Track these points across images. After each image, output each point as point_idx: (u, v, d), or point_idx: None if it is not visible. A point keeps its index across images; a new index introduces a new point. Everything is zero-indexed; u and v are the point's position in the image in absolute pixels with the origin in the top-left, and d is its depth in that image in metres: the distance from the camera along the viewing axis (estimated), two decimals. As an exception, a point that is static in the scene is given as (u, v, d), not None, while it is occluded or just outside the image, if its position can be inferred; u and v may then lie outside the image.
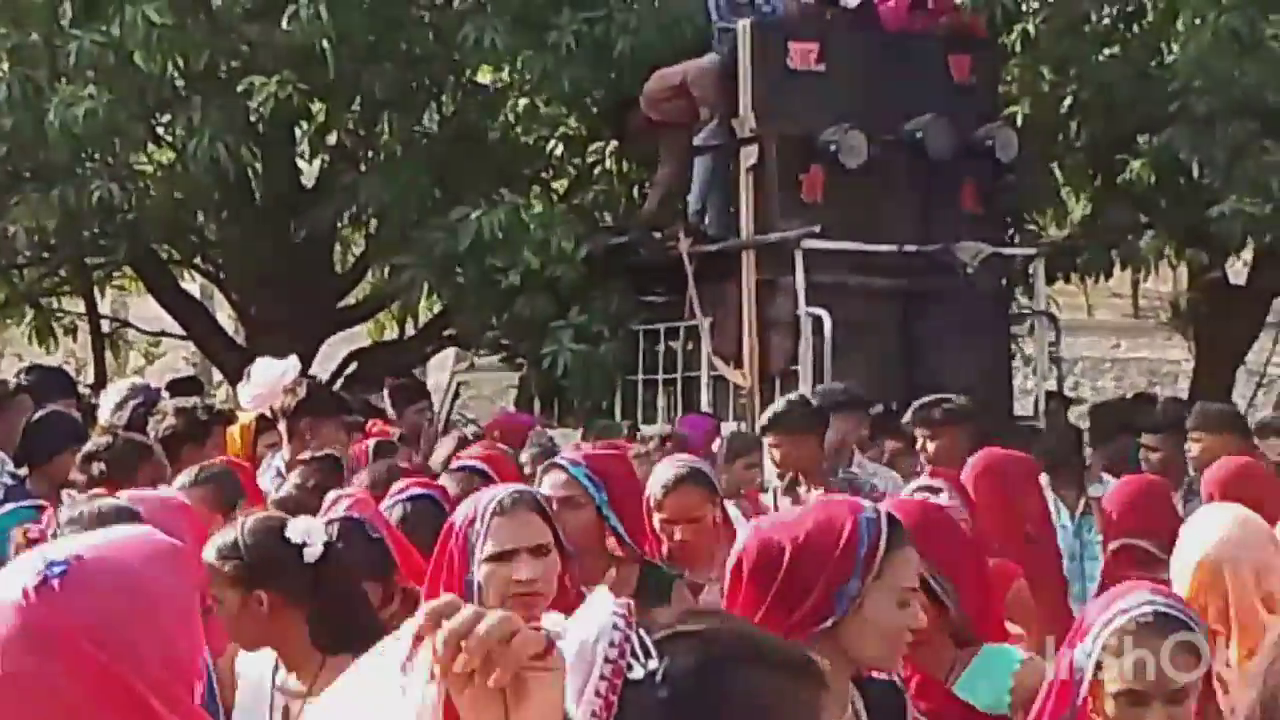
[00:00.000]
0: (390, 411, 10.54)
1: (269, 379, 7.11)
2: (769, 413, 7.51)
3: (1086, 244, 13.41)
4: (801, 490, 7.10)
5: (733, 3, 11.34)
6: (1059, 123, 13.14)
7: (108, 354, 16.17)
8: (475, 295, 11.80)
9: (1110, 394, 21.57)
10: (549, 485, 4.95)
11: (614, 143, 13.53)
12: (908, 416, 8.17)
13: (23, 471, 6.63)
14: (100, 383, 13.83)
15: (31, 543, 5.59)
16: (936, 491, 5.20)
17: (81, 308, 16.02)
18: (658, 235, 11.60)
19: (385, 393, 11.08)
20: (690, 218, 11.47)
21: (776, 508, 6.93)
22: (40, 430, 6.95)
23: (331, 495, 4.64)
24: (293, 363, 7.39)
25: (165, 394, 8.87)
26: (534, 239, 11.33)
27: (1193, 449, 8.18)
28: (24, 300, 15.46)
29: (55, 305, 16.06)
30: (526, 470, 8.08)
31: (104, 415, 7.61)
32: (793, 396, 7.88)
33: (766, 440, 7.46)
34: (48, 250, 13.76)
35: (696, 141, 11.52)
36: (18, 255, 13.35)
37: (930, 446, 7.78)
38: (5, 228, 12.19)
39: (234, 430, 6.86)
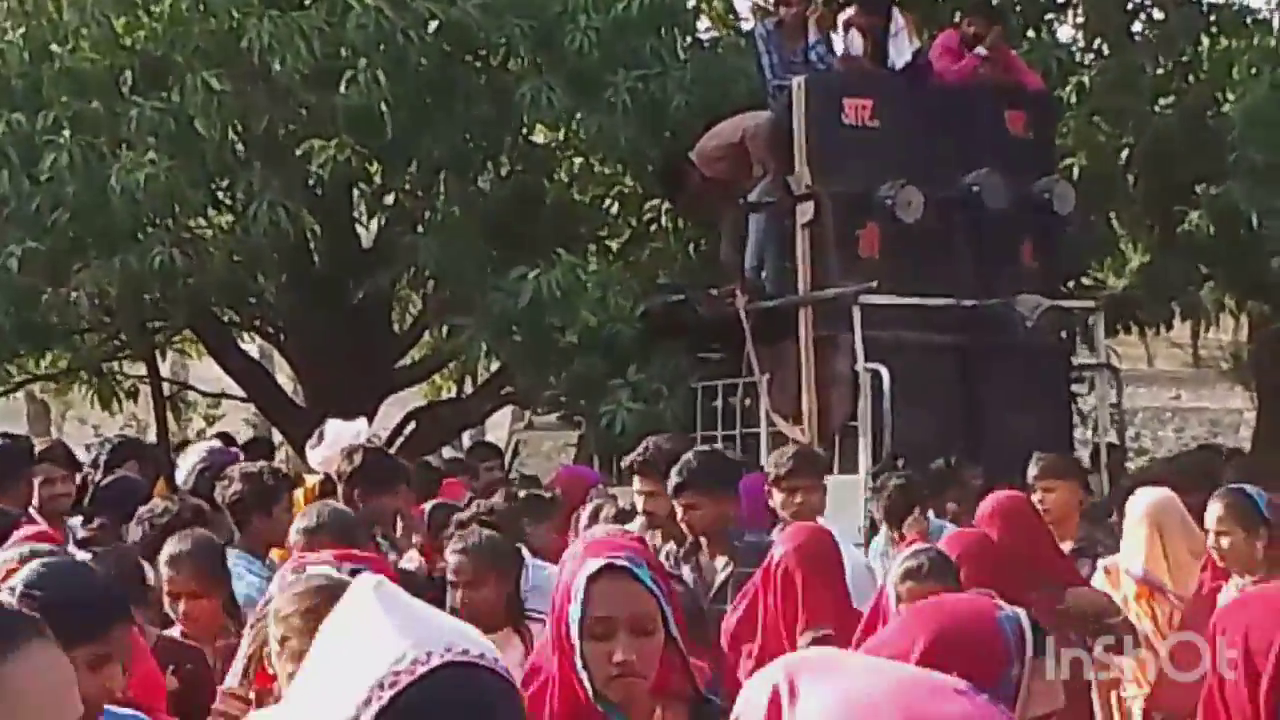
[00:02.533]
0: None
1: (338, 441, 7.14)
2: (681, 468, 6.29)
3: (1146, 295, 13.36)
4: (703, 557, 6.35)
5: (786, 60, 11.38)
6: (1116, 175, 13.13)
7: (169, 416, 16.26)
8: (533, 354, 11.84)
9: (1171, 445, 21.43)
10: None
11: (669, 201, 13.58)
12: (1033, 470, 7.61)
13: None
14: (165, 446, 13.93)
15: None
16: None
17: (143, 371, 16.14)
18: (714, 292, 11.62)
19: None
20: (747, 274, 11.48)
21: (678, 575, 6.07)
22: (104, 496, 7.01)
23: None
24: (361, 425, 7.42)
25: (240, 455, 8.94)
26: (591, 298, 11.36)
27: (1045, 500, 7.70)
28: (87, 365, 15.61)
29: (117, 369, 16.20)
30: (584, 524, 8.17)
31: (181, 477, 7.68)
32: (705, 449, 6.75)
33: (678, 501, 6.30)
34: (109, 315, 13.87)
35: (751, 198, 11.54)
36: (80, 320, 13.45)
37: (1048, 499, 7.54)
38: (68, 293, 12.30)
39: (299, 493, 6.90)
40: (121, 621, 3.39)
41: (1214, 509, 6.14)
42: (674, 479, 6.26)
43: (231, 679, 4.00)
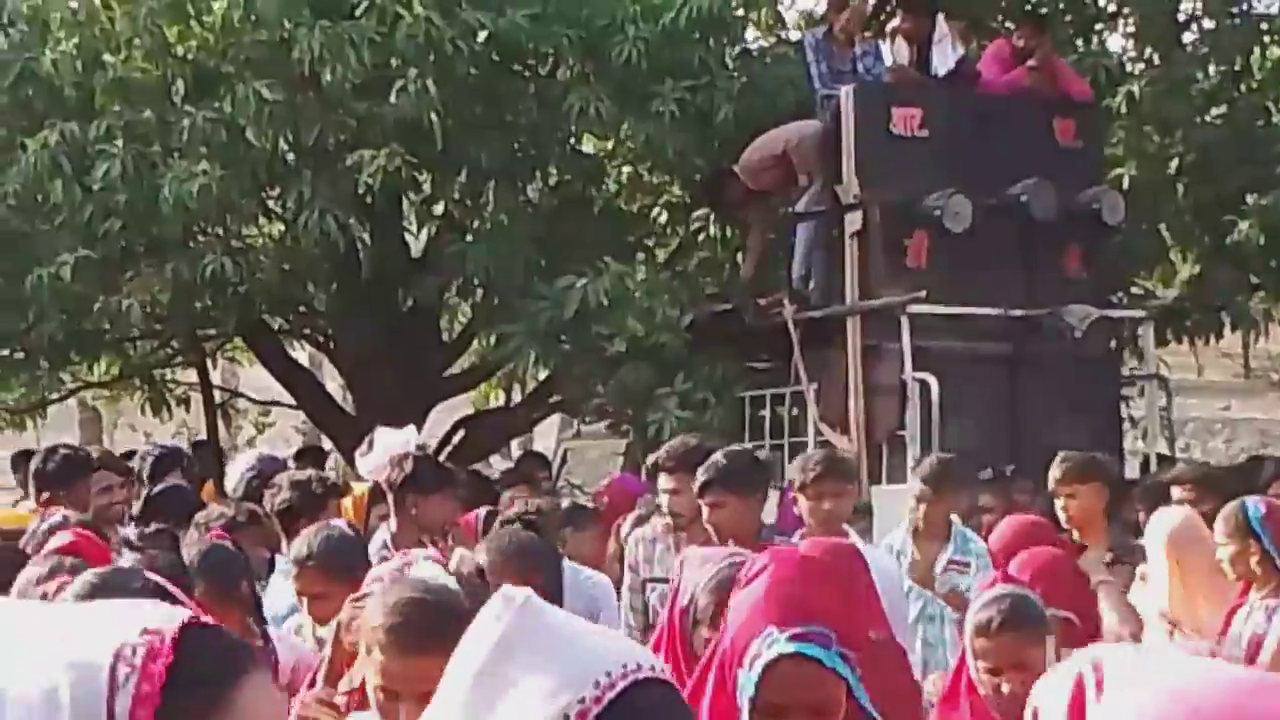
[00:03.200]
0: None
1: (388, 450, 7.17)
2: (709, 465, 6.15)
3: (1195, 305, 13.31)
4: None
5: (834, 70, 11.40)
6: (1165, 184, 13.08)
7: (220, 424, 16.36)
8: (580, 363, 11.87)
9: (1221, 456, 21.32)
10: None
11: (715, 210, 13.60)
12: (1055, 474, 7.39)
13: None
14: (217, 452, 14.02)
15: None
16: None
17: (194, 378, 16.25)
18: (762, 302, 11.63)
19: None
20: (794, 284, 11.49)
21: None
22: (157, 504, 7.07)
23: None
24: (411, 433, 7.45)
25: (292, 464, 8.97)
26: (638, 306, 11.39)
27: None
28: (138, 372, 15.73)
29: (168, 376, 16.31)
30: (625, 532, 8.18)
31: (230, 485, 7.74)
32: (735, 448, 6.56)
33: (704, 500, 6.16)
34: (160, 323, 13.97)
35: (798, 208, 11.56)
36: (132, 328, 13.56)
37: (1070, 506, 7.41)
38: (120, 301, 12.39)
39: (347, 502, 6.94)
40: None
41: (1216, 524, 6.04)
42: (701, 476, 6.15)
43: (318, 685, 3.91)
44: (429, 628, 3.15)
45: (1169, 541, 6.25)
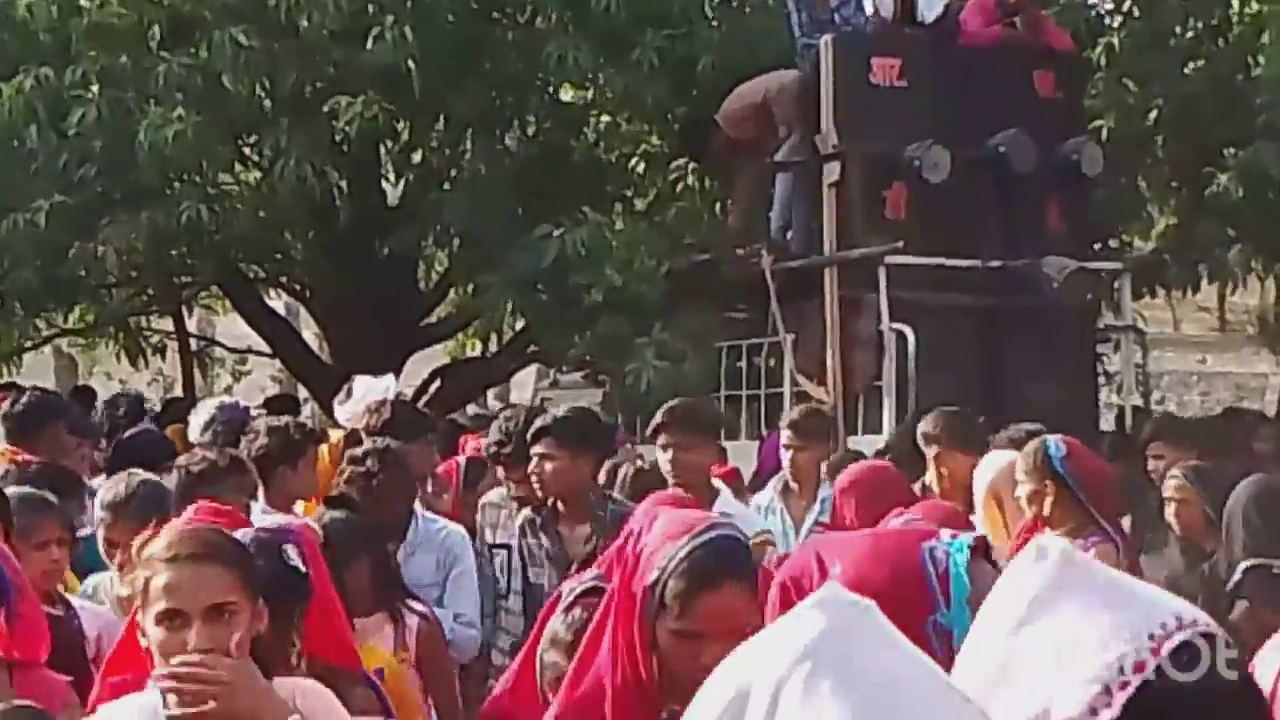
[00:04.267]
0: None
1: (367, 397, 7.16)
2: (546, 418, 6.13)
3: (1173, 258, 13.33)
4: (562, 527, 6.06)
5: (815, 20, 11.34)
6: (1144, 137, 13.07)
7: (196, 372, 16.33)
8: (558, 313, 11.85)
9: (1196, 409, 21.39)
10: None
11: (695, 160, 13.56)
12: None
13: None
14: (191, 401, 13.99)
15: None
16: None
17: (170, 327, 16.21)
18: (740, 252, 11.61)
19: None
20: (773, 235, 11.47)
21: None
22: (130, 449, 7.06)
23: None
24: (389, 381, 7.46)
25: (263, 411, 8.93)
26: (617, 257, 11.37)
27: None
28: (114, 320, 15.68)
29: (144, 324, 16.27)
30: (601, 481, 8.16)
31: (194, 433, 7.69)
32: (580, 406, 6.60)
33: (535, 451, 6.03)
34: (137, 270, 13.93)
35: (778, 158, 11.53)
36: (108, 275, 13.51)
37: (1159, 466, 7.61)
38: (95, 248, 12.33)
39: (323, 448, 6.93)
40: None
41: (1016, 461, 6.00)
42: (534, 428, 5.98)
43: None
44: (211, 541, 3.28)
45: (990, 486, 6.21)
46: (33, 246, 12.14)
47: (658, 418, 6.58)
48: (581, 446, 5.91)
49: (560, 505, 6.01)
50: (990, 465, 6.33)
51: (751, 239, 11.64)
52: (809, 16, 11.35)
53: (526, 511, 6.04)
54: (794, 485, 7.63)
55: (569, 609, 3.72)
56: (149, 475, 5.49)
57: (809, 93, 11.11)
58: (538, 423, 5.95)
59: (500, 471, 6.49)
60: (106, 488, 5.36)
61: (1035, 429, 6.74)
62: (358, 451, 6.04)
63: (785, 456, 7.67)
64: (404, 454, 6.12)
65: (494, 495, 6.85)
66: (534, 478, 5.93)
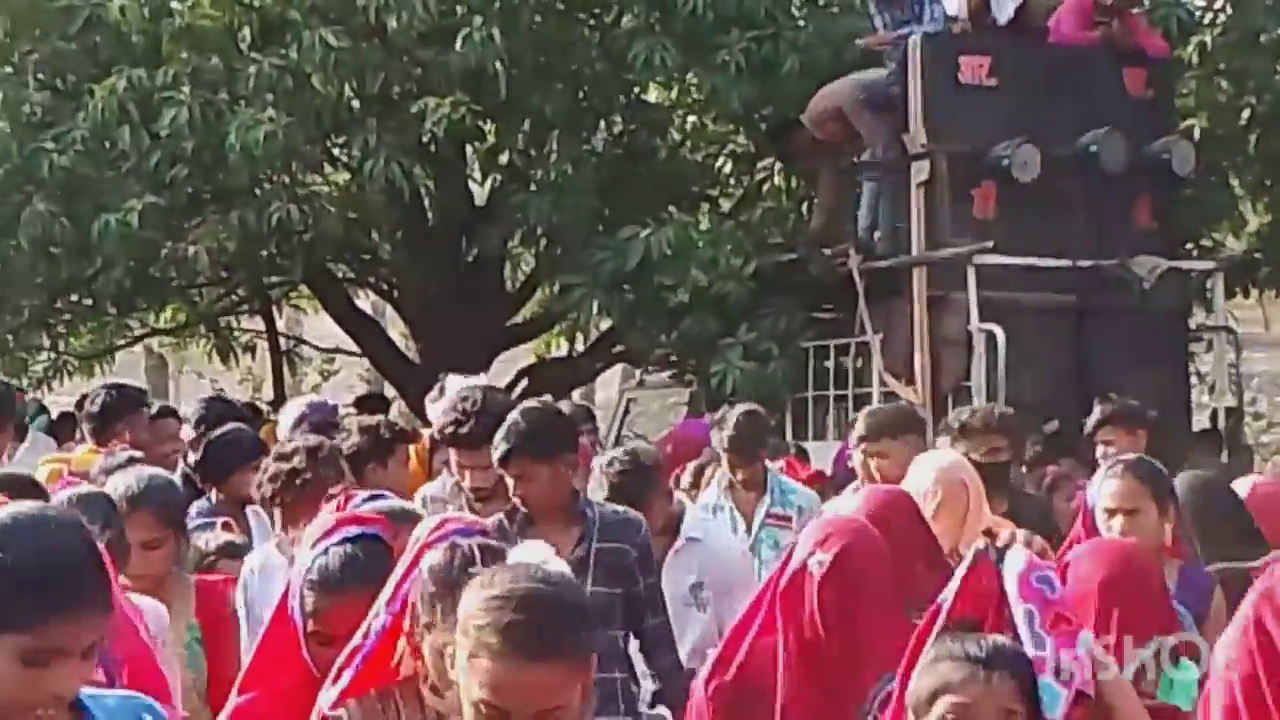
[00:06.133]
0: None
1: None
2: (506, 432, 5.32)
3: (1265, 258, 13.17)
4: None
5: (896, 19, 11.28)
6: (1237, 135, 12.93)
7: (285, 371, 16.46)
8: (644, 313, 11.85)
9: (1289, 411, 21.11)
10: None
11: (781, 161, 13.52)
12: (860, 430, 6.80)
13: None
14: (281, 400, 14.09)
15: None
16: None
17: (259, 326, 16.33)
18: (827, 252, 11.58)
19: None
20: (860, 234, 11.42)
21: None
22: (220, 448, 7.09)
23: None
24: (481, 381, 7.45)
25: (353, 410, 8.94)
26: (702, 256, 11.36)
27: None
28: (204, 319, 15.82)
29: (234, 324, 16.40)
30: (684, 483, 8.11)
31: (282, 432, 7.73)
32: (534, 406, 5.66)
33: (507, 473, 5.39)
34: (226, 270, 14.04)
35: (865, 158, 11.48)
36: (198, 275, 13.63)
37: (1110, 452, 7.12)
38: (186, 248, 12.45)
39: (413, 448, 6.95)
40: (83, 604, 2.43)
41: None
42: (498, 446, 5.29)
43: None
44: (553, 628, 2.64)
45: (934, 479, 5.41)
46: (124, 246, 12.26)
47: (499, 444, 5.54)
48: (557, 451, 5.37)
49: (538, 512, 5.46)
50: (934, 461, 5.62)
51: (835, 239, 11.60)
52: (891, 18, 11.28)
53: (500, 517, 5.37)
54: (738, 483, 7.48)
55: None
56: (158, 470, 5.43)
57: (887, 99, 11.03)
58: (502, 446, 5.28)
59: (453, 457, 5.89)
60: (116, 480, 5.13)
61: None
62: (286, 448, 5.71)
63: (732, 472, 7.48)
64: (337, 452, 5.78)
65: (435, 488, 6.66)
66: (518, 501, 5.35)
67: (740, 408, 7.75)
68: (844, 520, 4.31)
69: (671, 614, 5.85)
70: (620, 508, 5.60)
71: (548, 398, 6.78)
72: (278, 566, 5.36)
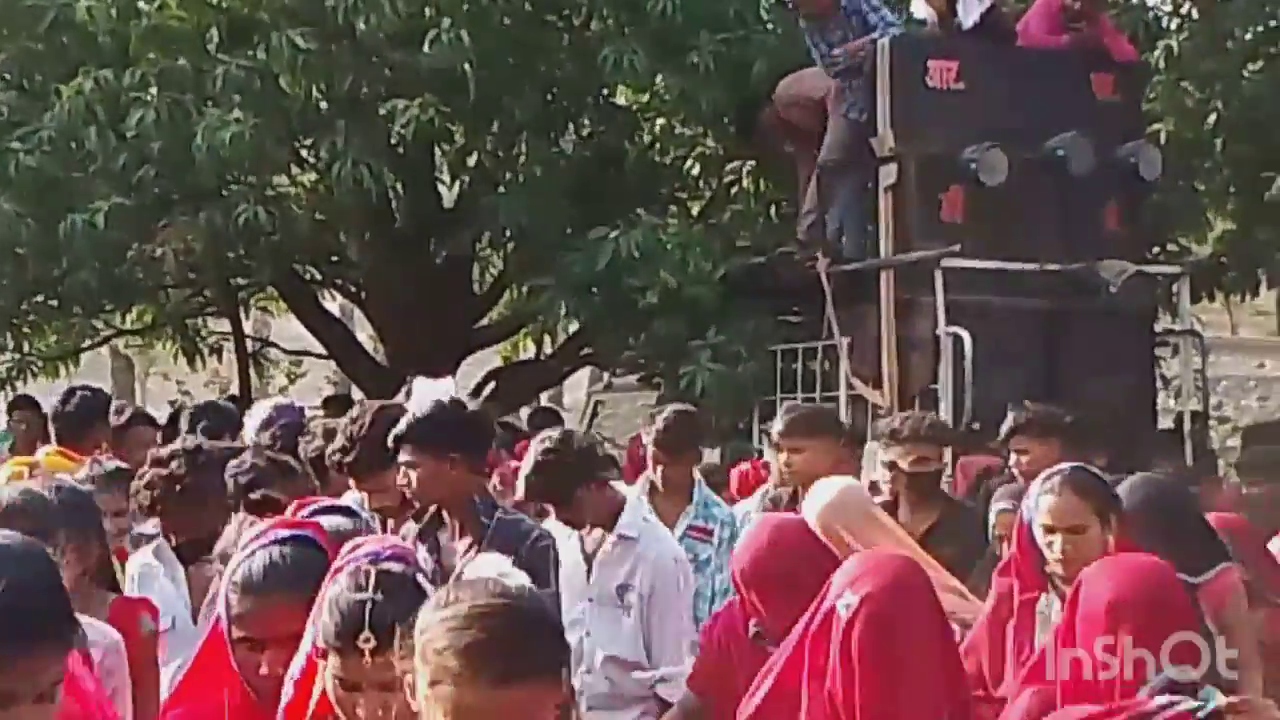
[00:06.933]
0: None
1: (425, 399, 7.14)
2: (406, 427, 5.35)
3: (1231, 262, 13.23)
4: (443, 536, 5.36)
5: (829, 42, 11.28)
6: (1203, 140, 12.98)
7: (252, 373, 16.41)
8: (613, 316, 11.85)
9: (1255, 414, 21.23)
10: None
11: (751, 162, 13.52)
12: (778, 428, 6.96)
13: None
14: (247, 402, 14.05)
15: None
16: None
17: (226, 327, 16.28)
18: (795, 255, 11.58)
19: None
20: (828, 237, 11.44)
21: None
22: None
23: None
24: (449, 384, 7.44)
25: (320, 412, 8.92)
26: (671, 259, 11.36)
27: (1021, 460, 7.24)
28: (171, 321, 15.77)
29: (201, 325, 16.35)
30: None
31: (249, 434, 7.71)
32: (441, 402, 5.52)
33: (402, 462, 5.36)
34: (194, 271, 14.00)
35: (824, 155, 11.46)
36: (165, 276, 13.59)
37: (1023, 460, 7.12)
38: (154, 249, 12.40)
39: (379, 450, 6.92)
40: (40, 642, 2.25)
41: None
42: (393, 434, 5.29)
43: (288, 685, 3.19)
44: (520, 645, 2.46)
45: (826, 512, 5.11)
46: (91, 247, 12.21)
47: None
48: (451, 448, 5.25)
49: (445, 514, 5.36)
50: (825, 492, 5.26)
51: (804, 241, 11.60)
52: (825, 43, 11.24)
53: (409, 524, 5.37)
54: (661, 489, 7.37)
55: None
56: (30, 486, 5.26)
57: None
58: (396, 429, 5.27)
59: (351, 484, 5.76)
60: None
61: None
62: (163, 453, 5.60)
63: (655, 471, 7.38)
64: (218, 455, 5.65)
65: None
66: (406, 491, 5.29)
67: (674, 407, 7.73)
68: (885, 557, 3.88)
69: (596, 614, 5.84)
70: (521, 516, 5.49)
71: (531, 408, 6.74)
72: (155, 575, 5.36)
